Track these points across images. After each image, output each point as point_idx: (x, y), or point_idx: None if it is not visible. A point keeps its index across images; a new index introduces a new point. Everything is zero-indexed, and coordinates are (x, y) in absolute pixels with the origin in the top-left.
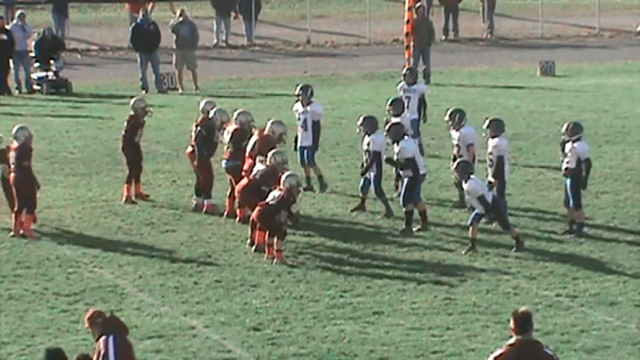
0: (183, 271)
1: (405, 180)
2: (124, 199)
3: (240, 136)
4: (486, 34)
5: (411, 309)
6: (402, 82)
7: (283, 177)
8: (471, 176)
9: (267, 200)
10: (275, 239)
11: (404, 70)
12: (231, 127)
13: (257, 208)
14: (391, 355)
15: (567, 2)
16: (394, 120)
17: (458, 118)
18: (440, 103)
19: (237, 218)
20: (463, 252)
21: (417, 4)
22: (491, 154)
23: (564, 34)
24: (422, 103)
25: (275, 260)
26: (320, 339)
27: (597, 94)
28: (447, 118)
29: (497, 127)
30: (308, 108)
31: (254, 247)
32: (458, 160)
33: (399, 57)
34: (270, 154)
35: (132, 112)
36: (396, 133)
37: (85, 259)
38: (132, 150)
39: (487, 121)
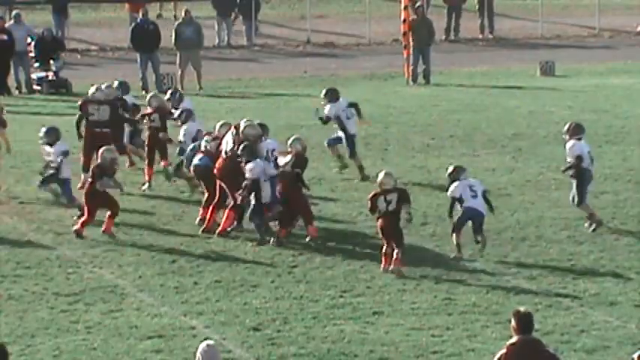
0: (183, 271)
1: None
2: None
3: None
4: (483, 32)
5: (411, 309)
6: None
7: (290, 141)
8: (460, 179)
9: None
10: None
11: (323, 92)
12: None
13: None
14: (391, 356)
15: (567, 2)
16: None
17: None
18: (440, 103)
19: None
20: (451, 256)
21: (417, 4)
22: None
23: (564, 34)
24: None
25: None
26: (320, 339)
27: (597, 95)
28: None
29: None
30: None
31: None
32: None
33: (399, 57)
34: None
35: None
36: (331, 95)
37: (85, 259)
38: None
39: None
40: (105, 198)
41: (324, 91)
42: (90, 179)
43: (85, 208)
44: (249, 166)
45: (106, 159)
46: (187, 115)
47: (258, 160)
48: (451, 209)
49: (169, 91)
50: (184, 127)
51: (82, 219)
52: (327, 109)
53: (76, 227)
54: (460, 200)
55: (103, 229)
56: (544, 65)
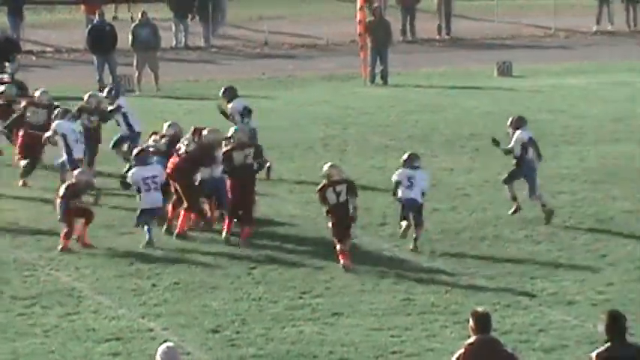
0: (141, 274)
1: None
2: None
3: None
4: (440, 33)
5: (370, 310)
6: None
7: (230, 133)
8: (412, 166)
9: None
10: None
11: (222, 90)
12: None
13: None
14: (350, 356)
15: (523, 2)
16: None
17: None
18: (398, 104)
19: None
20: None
21: (374, 5)
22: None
23: (520, 35)
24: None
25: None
26: (279, 340)
27: (554, 95)
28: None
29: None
30: None
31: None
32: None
33: (357, 58)
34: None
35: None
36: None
37: (42, 262)
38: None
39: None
40: (79, 209)
41: (222, 89)
42: (62, 195)
43: (65, 225)
44: (129, 173)
45: (82, 181)
46: (62, 113)
47: (140, 166)
48: (395, 191)
49: (106, 89)
50: (56, 122)
51: (64, 233)
52: (230, 107)
53: (61, 246)
54: (401, 185)
55: (83, 242)
56: (501, 66)
